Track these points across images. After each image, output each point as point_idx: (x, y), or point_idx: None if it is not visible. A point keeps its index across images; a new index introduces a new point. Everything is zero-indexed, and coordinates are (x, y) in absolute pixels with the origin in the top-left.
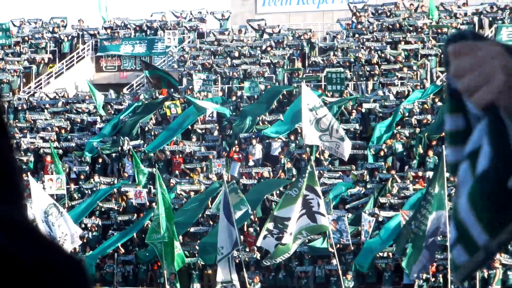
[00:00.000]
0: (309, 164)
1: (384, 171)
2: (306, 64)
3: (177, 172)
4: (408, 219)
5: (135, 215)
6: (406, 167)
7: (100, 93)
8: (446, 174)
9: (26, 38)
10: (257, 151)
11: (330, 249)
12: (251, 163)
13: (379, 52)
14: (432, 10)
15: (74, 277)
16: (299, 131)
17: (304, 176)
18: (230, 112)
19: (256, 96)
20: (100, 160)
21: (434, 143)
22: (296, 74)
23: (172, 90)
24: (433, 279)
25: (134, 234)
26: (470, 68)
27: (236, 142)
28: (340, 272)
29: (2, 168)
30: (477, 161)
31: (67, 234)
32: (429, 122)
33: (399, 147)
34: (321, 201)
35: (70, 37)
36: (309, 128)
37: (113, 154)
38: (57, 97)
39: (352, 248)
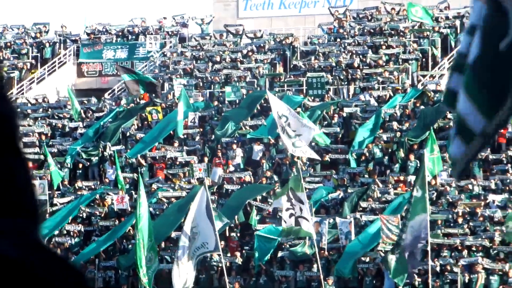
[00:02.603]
0: (296, 168)
1: (366, 176)
2: (288, 69)
3: (160, 177)
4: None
5: (117, 220)
6: (388, 171)
7: (77, 101)
8: (428, 178)
9: (9, 44)
10: (238, 155)
11: (307, 251)
12: (231, 168)
13: (360, 56)
14: (410, 13)
15: None
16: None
17: (291, 177)
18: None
19: (237, 101)
20: (81, 166)
21: (415, 147)
22: (278, 78)
23: (153, 95)
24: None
25: (116, 240)
26: None
27: (218, 147)
28: (321, 277)
29: (15, 190)
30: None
31: None
32: (410, 127)
33: (379, 151)
34: (304, 206)
35: (52, 43)
36: (283, 135)
37: (94, 159)
38: (37, 103)
39: (332, 253)
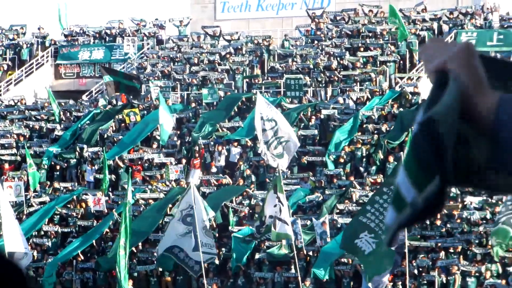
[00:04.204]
0: (277, 169)
1: (343, 178)
2: (265, 71)
3: (137, 179)
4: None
5: (95, 221)
6: (365, 173)
7: (56, 102)
8: None
9: None
10: (222, 157)
11: (284, 251)
12: (214, 169)
13: (338, 58)
14: (397, 19)
15: (15, 283)
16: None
17: (273, 178)
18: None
19: (215, 103)
20: (58, 167)
21: (397, 150)
22: (255, 80)
23: (131, 96)
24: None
25: (94, 241)
26: (436, 50)
27: (196, 149)
28: (299, 278)
29: None
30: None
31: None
32: (388, 128)
33: (358, 154)
34: (284, 208)
35: (29, 44)
36: (261, 138)
37: (71, 161)
38: (13, 103)
39: (311, 254)
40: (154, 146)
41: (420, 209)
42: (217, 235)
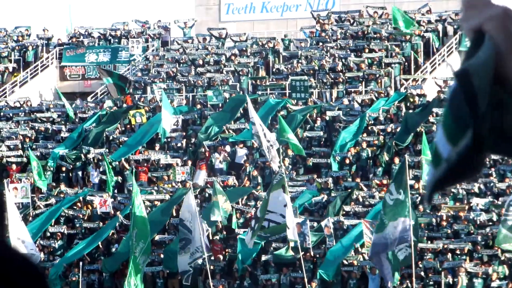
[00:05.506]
0: (279, 171)
1: (349, 179)
2: (270, 72)
3: (143, 180)
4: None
5: (100, 223)
6: (371, 175)
7: (68, 102)
8: (410, 182)
9: None
10: (222, 159)
11: (291, 252)
12: (220, 165)
13: (343, 60)
14: (396, 20)
15: (34, 279)
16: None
17: (276, 178)
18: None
19: (220, 105)
20: (64, 169)
21: (407, 151)
22: (261, 82)
23: (125, 85)
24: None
25: (99, 243)
26: (475, 8)
27: (202, 150)
28: (305, 280)
29: None
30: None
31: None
32: (393, 130)
33: (363, 155)
34: (288, 211)
35: (34, 46)
36: (263, 139)
37: (77, 163)
38: (18, 105)
39: (318, 256)
40: (157, 148)
41: (455, 164)
42: (223, 237)
